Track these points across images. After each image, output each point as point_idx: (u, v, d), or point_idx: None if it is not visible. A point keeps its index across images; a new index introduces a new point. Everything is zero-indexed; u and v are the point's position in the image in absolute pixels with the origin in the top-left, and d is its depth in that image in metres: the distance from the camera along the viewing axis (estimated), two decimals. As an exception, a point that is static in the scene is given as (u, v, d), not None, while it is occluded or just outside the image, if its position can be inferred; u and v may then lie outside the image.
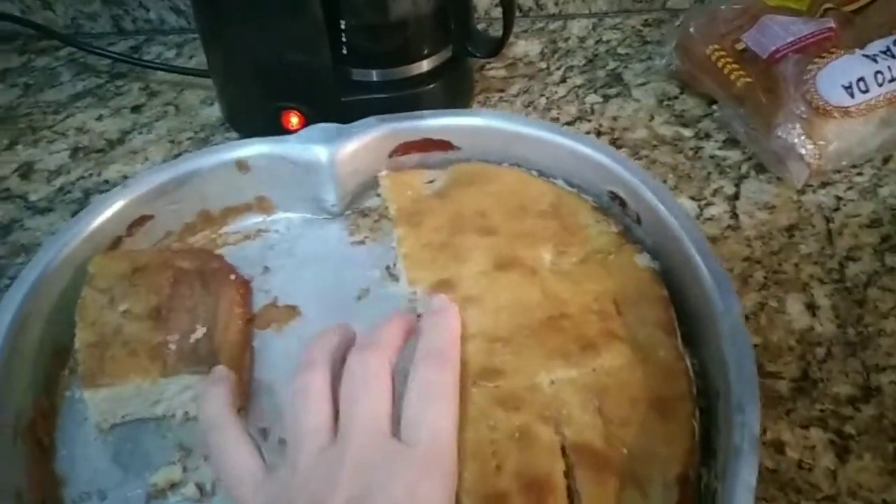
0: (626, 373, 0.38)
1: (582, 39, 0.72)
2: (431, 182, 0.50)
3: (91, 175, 0.58)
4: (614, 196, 0.48)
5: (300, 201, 0.51)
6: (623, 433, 0.35)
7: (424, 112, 0.51)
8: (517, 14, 0.73)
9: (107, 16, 0.72)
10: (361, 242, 0.51)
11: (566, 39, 0.72)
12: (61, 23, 0.72)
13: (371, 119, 0.50)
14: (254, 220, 0.51)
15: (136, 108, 0.64)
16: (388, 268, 0.48)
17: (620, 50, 0.70)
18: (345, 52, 0.55)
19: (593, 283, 0.43)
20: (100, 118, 0.63)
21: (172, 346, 0.40)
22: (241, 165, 0.49)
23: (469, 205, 0.47)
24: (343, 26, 0.54)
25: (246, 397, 0.41)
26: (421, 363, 0.35)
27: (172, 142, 0.60)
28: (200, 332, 0.41)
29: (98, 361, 0.39)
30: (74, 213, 0.47)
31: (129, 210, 0.46)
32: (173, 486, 0.38)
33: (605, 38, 0.72)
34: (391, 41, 0.56)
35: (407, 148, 0.51)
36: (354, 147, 0.49)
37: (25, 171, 0.58)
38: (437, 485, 0.31)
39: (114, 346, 0.40)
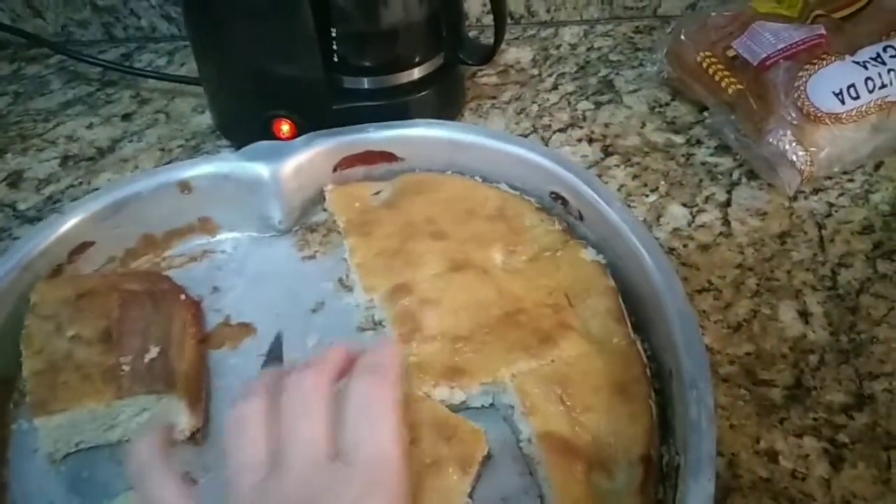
0: (583, 361, 0.40)
1: (573, 46, 0.72)
2: (378, 193, 0.51)
3: (81, 184, 0.57)
4: (556, 196, 0.49)
5: (245, 220, 0.51)
6: (586, 419, 0.37)
7: (366, 125, 0.51)
8: (509, 21, 0.73)
9: (97, 23, 0.71)
10: (312, 257, 0.51)
11: (558, 46, 0.72)
12: (52, 30, 0.72)
13: (312, 134, 0.51)
14: (198, 241, 0.51)
15: (126, 116, 0.64)
16: (340, 279, 0.49)
17: (612, 57, 0.70)
18: (336, 60, 0.55)
19: (544, 279, 0.44)
20: (90, 126, 0.63)
21: (126, 368, 0.39)
22: (184, 186, 0.48)
23: (417, 212, 0.48)
24: (334, 34, 0.54)
25: (204, 418, 0.41)
26: (357, 378, 0.33)
27: (163, 150, 0.60)
28: (154, 351, 0.40)
29: (49, 388, 0.38)
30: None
31: (69, 237, 0.45)
32: None
33: (596, 45, 0.72)
34: (382, 49, 0.56)
35: (351, 161, 0.52)
36: (297, 163, 0.49)
37: (14, 179, 0.58)
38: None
39: (65, 372, 0.39)
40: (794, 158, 0.53)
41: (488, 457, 0.38)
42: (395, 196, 0.50)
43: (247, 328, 0.46)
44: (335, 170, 0.52)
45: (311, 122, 0.54)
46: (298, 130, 0.55)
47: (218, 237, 0.51)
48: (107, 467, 0.40)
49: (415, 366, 0.40)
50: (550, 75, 0.68)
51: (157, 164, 0.59)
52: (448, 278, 0.44)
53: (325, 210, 0.52)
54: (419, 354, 0.40)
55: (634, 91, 0.66)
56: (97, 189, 0.56)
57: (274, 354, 0.43)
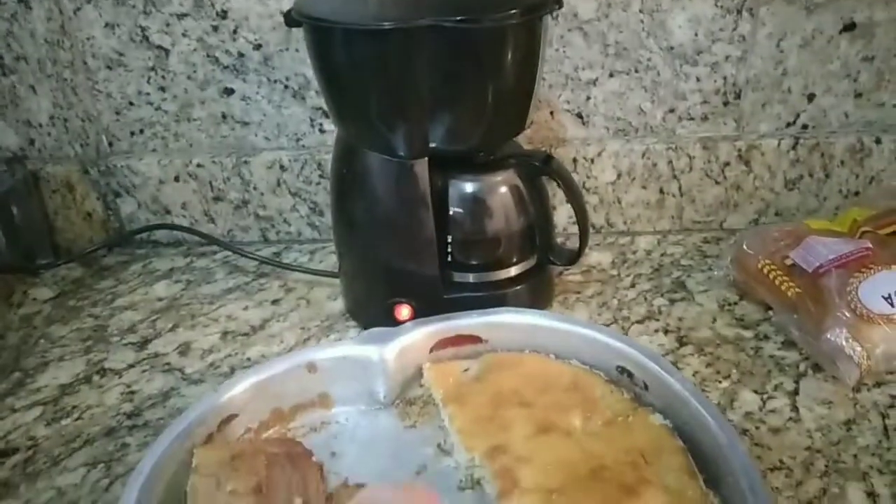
0: None
1: (648, 252, 0.83)
2: (466, 370, 0.59)
3: (237, 354, 0.70)
4: (622, 370, 0.57)
5: (356, 395, 0.60)
6: None
7: (456, 314, 0.62)
8: (591, 231, 0.86)
9: (256, 228, 0.89)
10: (413, 426, 0.58)
11: (634, 252, 0.83)
12: (219, 232, 0.89)
13: (413, 322, 0.61)
14: (316, 414, 0.59)
15: (275, 301, 0.78)
16: (439, 445, 0.56)
17: (683, 262, 0.81)
18: (449, 259, 0.67)
19: (620, 441, 0.51)
20: (245, 308, 0.77)
21: None
22: (311, 367, 0.59)
23: (504, 385, 0.57)
24: (449, 239, 0.67)
25: None
26: None
27: (303, 328, 0.73)
28: (298, 501, 0.48)
29: None
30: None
31: (221, 410, 0.54)
32: None
33: (668, 252, 0.83)
34: (486, 252, 0.68)
35: (443, 343, 0.61)
36: (401, 345, 0.59)
37: (184, 349, 0.71)
38: None
39: None
40: (852, 353, 0.59)
41: None
42: (483, 372, 0.59)
43: (363, 488, 0.53)
44: (431, 351, 0.61)
45: (426, 308, 0.65)
46: (416, 314, 0.67)
47: (333, 410, 0.60)
48: None
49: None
50: (628, 275, 0.79)
51: (297, 340, 0.71)
52: (537, 440, 0.51)
53: (421, 386, 0.61)
54: (520, 505, 0.47)
55: (705, 291, 0.75)
56: (249, 359, 0.69)
57: None
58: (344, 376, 0.60)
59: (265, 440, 0.56)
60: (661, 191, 0.85)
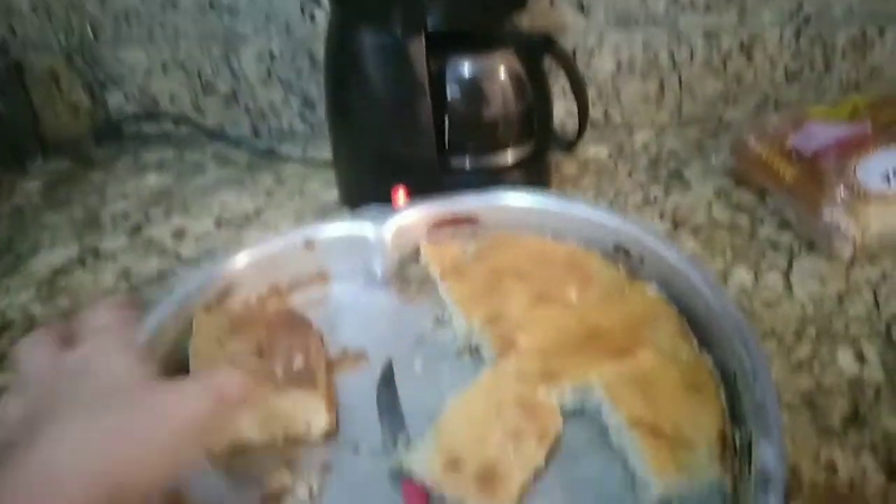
0: (658, 369, 0.47)
1: (646, 145, 0.82)
2: (464, 252, 0.60)
3: (232, 239, 0.69)
4: (618, 248, 0.57)
5: (353, 272, 0.60)
6: (666, 410, 0.43)
7: (453, 194, 0.61)
8: (589, 126, 0.85)
9: (247, 122, 0.87)
10: (410, 301, 0.59)
11: (632, 145, 0.83)
12: (210, 126, 0.88)
13: (411, 201, 0.61)
14: (314, 290, 0.60)
15: (268, 193, 0.77)
16: (437, 318, 0.57)
17: (681, 154, 0.80)
18: (446, 143, 0.67)
19: (615, 310, 0.52)
20: (239, 199, 0.76)
21: (279, 371, 0.47)
22: (308, 244, 0.59)
23: (501, 261, 0.57)
24: (446, 123, 0.66)
25: (336, 421, 0.48)
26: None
27: (298, 217, 0.72)
28: (299, 359, 0.48)
29: None
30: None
31: (218, 282, 0.55)
32: (284, 492, 0.44)
33: (666, 145, 0.82)
34: (484, 136, 0.67)
35: (441, 224, 0.61)
36: (398, 224, 0.60)
37: (179, 234, 0.71)
38: None
39: None
40: (847, 231, 0.59)
41: (578, 453, 0.44)
42: (480, 252, 0.59)
43: (362, 356, 0.54)
44: (428, 232, 0.61)
45: (423, 194, 0.64)
46: (411, 200, 0.66)
47: (330, 287, 0.60)
48: (259, 458, 0.46)
49: (513, 374, 0.47)
50: (625, 167, 0.78)
51: (291, 227, 0.70)
52: (534, 309, 0.52)
53: (419, 265, 0.61)
54: (517, 365, 0.48)
55: (702, 180, 0.75)
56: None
57: (387, 377, 0.52)
58: (341, 254, 0.60)
59: (264, 309, 0.56)
60: (661, 84, 0.83)
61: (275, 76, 0.84)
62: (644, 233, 0.56)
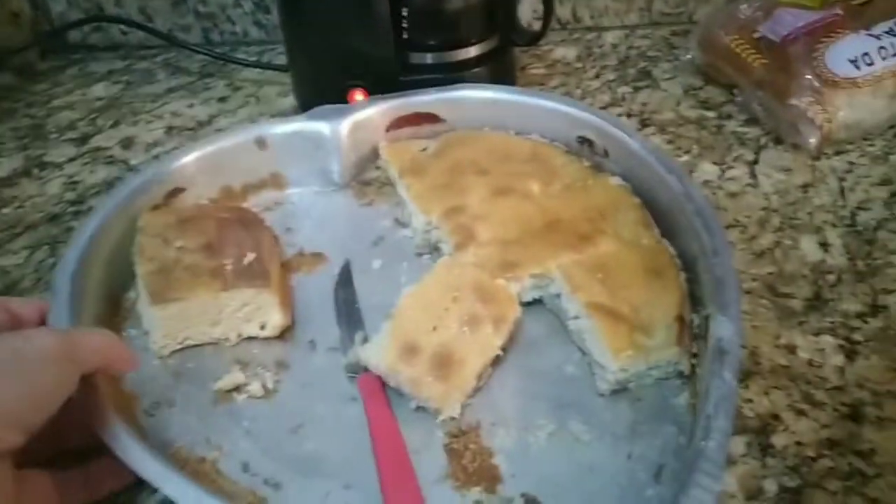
0: (618, 256, 0.46)
1: (615, 46, 0.80)
2: (424, 150, 0.57)
3: (183, 146, 0.66)
4: (583, 139, 0.55)
5: (309, 175, 0.57)
6: (625, 294, 0.43)
7: (412, 91, 0.58)
8: (556, 26, 0.82)
9: (198, 28, 0.83)
10: (369, 204, 0.57)
11: (600, 46, 0.80)
12: (159, 32, 0.83)
13: (367, 98, 0.58)
14: (269, 195, 0.57)
15: (222, 99, 0.73)
16: (396, 219, 0.55)
17: (650, 53, 0.77)
18: (405, 38, 0.63)
19: (578, 201, 0.51)
20: (191, 106, 0.73)
21: (229, 268, 0.45)
22: (260, 143, 0.56)
23: (462, 157, 0.55)
24: (405, 14, 0.62)
25: (292, 321, 0.47)
26: None
27: (252, 123, 0.69)
28: (251, 257, 0.46)
29: (164, 283, 0.44)
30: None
31: (165, 180, 0.52)
32: (237, 388, 0.43)
33: (635, 45, 0.79)
34: (444, 28, 0.64)
35: (400, 122, 0.58)
36: (354, 121, 0.57)
37: (127, 143, 0.67)
38: None
39: (176, 271, 0.45)
40: (815, 118, 0.58)
41: (538, 343, 0.44)
42: (441, 149, 0.57)
43: (319, 257, 0.53)
44: (387, 130, 0.59)
45: (381, 92, 0.62)
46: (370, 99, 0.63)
47: (286, 191, 0.58)
48: (211, 358, 0.45)
49: (472, 266, 0.46)
50: (593, 68, 0.76)
51: (247, 132, 0.68)
52: (495, 201, 0.51)
53: (377, 168, 0.59)
54: (476, 255, 0.47)
55: (670, 78, 0.72)
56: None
57: (345, 276, 0.50)
58: (296, 154, 0.57)
59: (213, 206, 0.54)
60: (631, -20, 0.80)
61: (224, -25, 0.79)
62: (608, 123, 0.54)
